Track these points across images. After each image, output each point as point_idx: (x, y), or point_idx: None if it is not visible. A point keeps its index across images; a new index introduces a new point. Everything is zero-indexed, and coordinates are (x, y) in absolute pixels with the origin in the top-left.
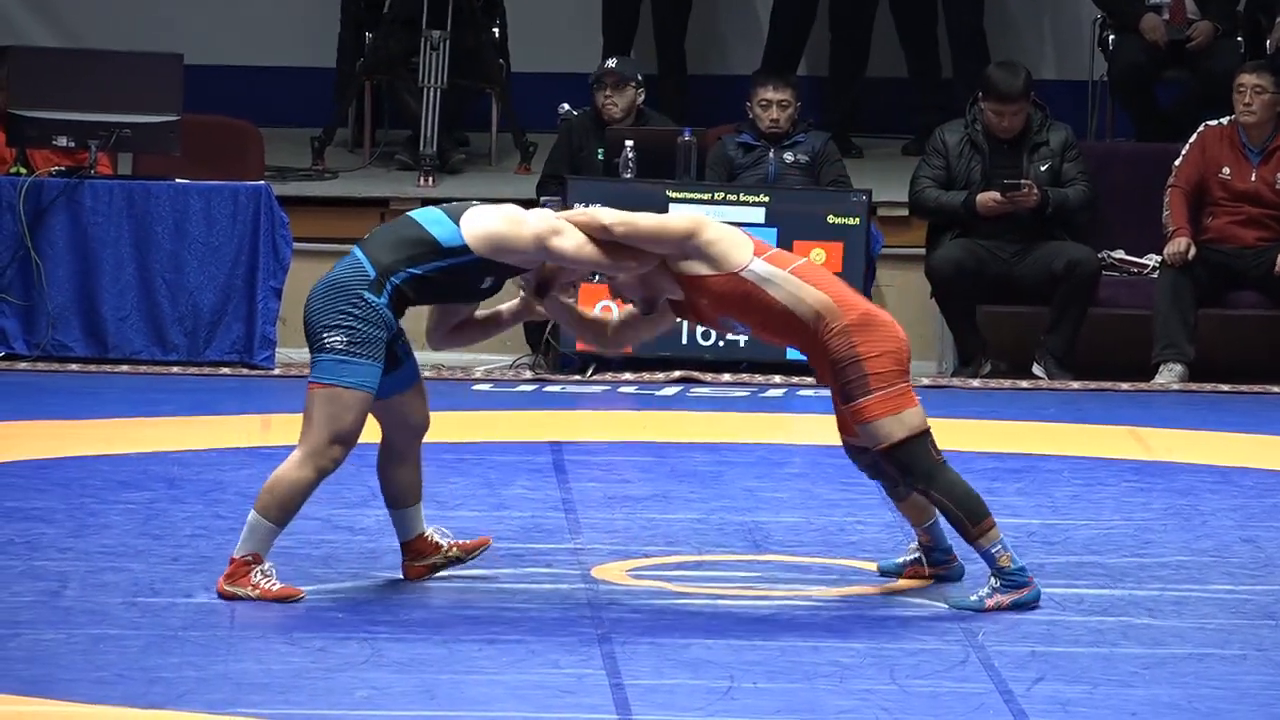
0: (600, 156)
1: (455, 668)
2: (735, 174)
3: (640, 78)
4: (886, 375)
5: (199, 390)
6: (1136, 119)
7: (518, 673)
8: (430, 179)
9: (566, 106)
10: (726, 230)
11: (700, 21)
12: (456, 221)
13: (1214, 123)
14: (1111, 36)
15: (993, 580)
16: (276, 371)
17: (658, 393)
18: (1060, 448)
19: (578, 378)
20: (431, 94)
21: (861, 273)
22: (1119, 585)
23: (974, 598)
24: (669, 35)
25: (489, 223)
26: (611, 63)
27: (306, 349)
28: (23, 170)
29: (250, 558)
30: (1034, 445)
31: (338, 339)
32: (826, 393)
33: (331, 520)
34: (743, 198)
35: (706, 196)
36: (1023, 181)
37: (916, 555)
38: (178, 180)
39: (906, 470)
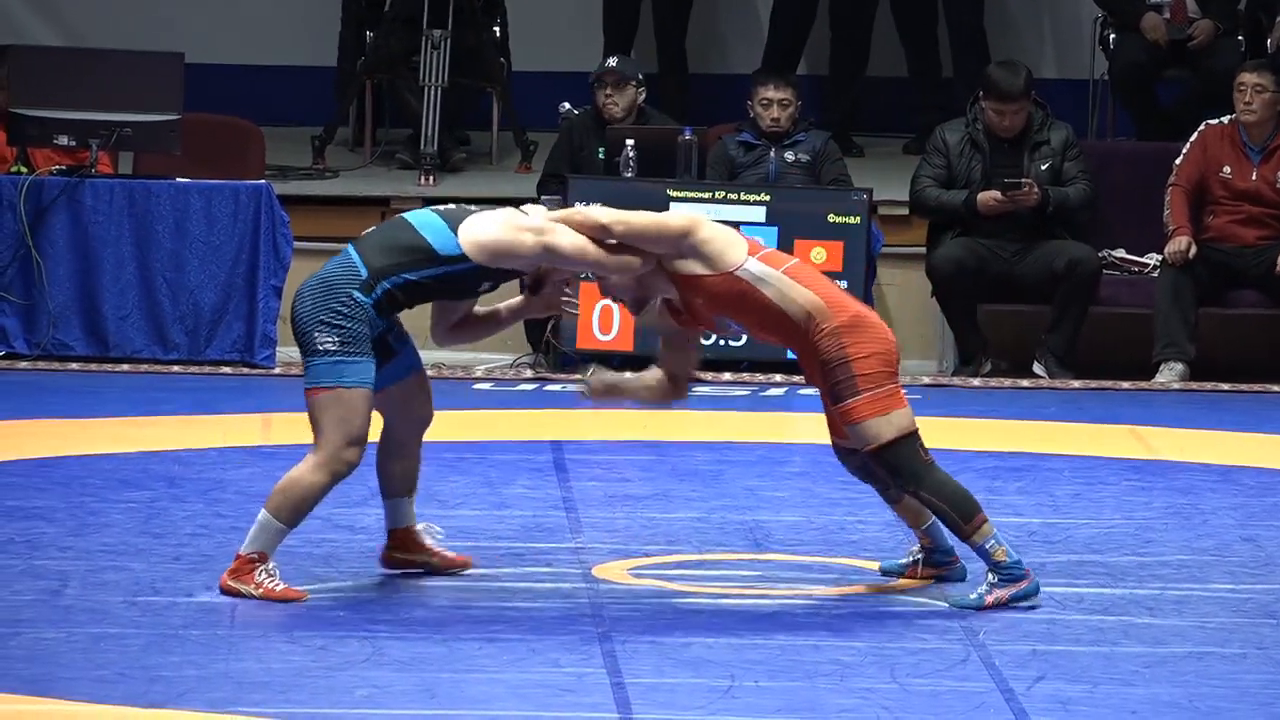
0: (601, 155)
1: (456, 666)
2: (736, 173)
3: (641, 77)
4: (875, 376)
5: (200, 389)
6: (1137, 118)
7: (518, 671)
8: (431, 178)
9: (567, 105)
10: (721, 229)
11: (701, 20)
12: (454, 229)
13: (1215, 122)
14: (1112, 35)
15: (990, 576)
16: (277, 370)
17: None
18: (1061, 446)
19: (579, 377)
20: (432, 93)
21: (862, 272)
22: (1120, 584)
23: (973, 595)
24: (669, 34)
25: (487, 230)
26: (612, 62)
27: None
28: (24, 169)
29: (256, 556)
30: (1035, 444)
31: (329, 340)
32: None
33: (332, 519)
34: (743, 197)
35: (707, 195)
36: (1023, 180)
37: (918, 557)
38: (178, 179)
39: (895, 471)
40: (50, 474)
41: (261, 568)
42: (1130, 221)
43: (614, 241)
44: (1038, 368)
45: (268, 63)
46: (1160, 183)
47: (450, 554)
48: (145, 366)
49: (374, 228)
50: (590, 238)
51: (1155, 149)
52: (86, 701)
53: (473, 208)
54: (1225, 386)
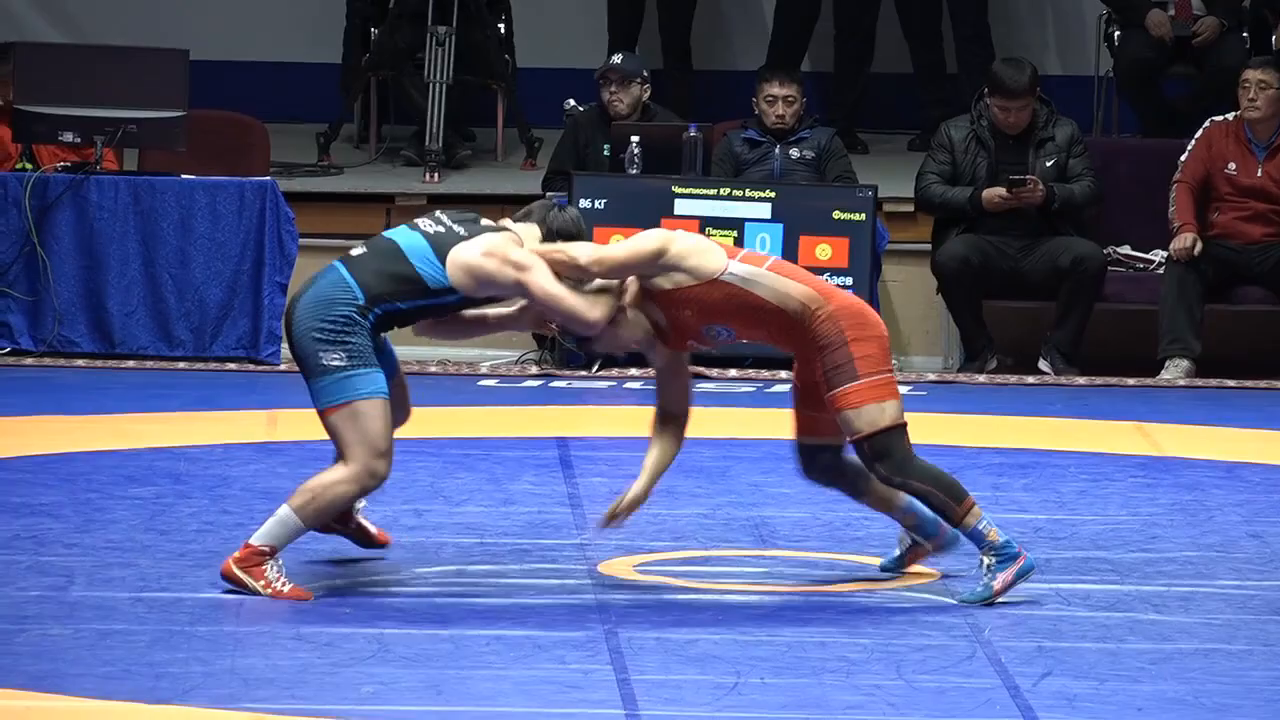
0: (606, 152)
1: (462, 663)
2: (741, 169)
3: (646, 73)
4: (873, 360)
5: (205, 386)
6: (1142, 115)
7: (524, 667)
8: (436, 175)
9: (572, 102)
10: (695, 240)
11: (705, 17)
12: (442, 258)
13: (1219, 118)
14: (1117, 32)
15: (987, 560)
16: (283, 367)
17: None
18: (1067, 443)
19: (584, 373)
20: (437, 89)
21: (867, 268)
22: (1126, 581)
23: (979, 588)
24: (674, 31)
25: (472, 259)
26: (617, 59)
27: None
28: (29, 166)
29: (267, 549)
30: (1040, 441)
31: (336, 357)
32: None
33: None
34: (749, 193)
35: (712, 192)
36: (1028, 177)
37: (909, 541)
38: (183, 176)
39: (884, 457)
40: (56, 470)
41: (270, 563)
42: (1136, 218)
43: (594, 283)
44: (1043, 364)
45: (273, 59)
46: (1165, 179)
47: (372, 529)
48: (150, 363)
49: (363, 249)
50: (569, 271)
51: (1160, 146)
52: (92, 698)
53: (461, 229)
54: (1231, 383)
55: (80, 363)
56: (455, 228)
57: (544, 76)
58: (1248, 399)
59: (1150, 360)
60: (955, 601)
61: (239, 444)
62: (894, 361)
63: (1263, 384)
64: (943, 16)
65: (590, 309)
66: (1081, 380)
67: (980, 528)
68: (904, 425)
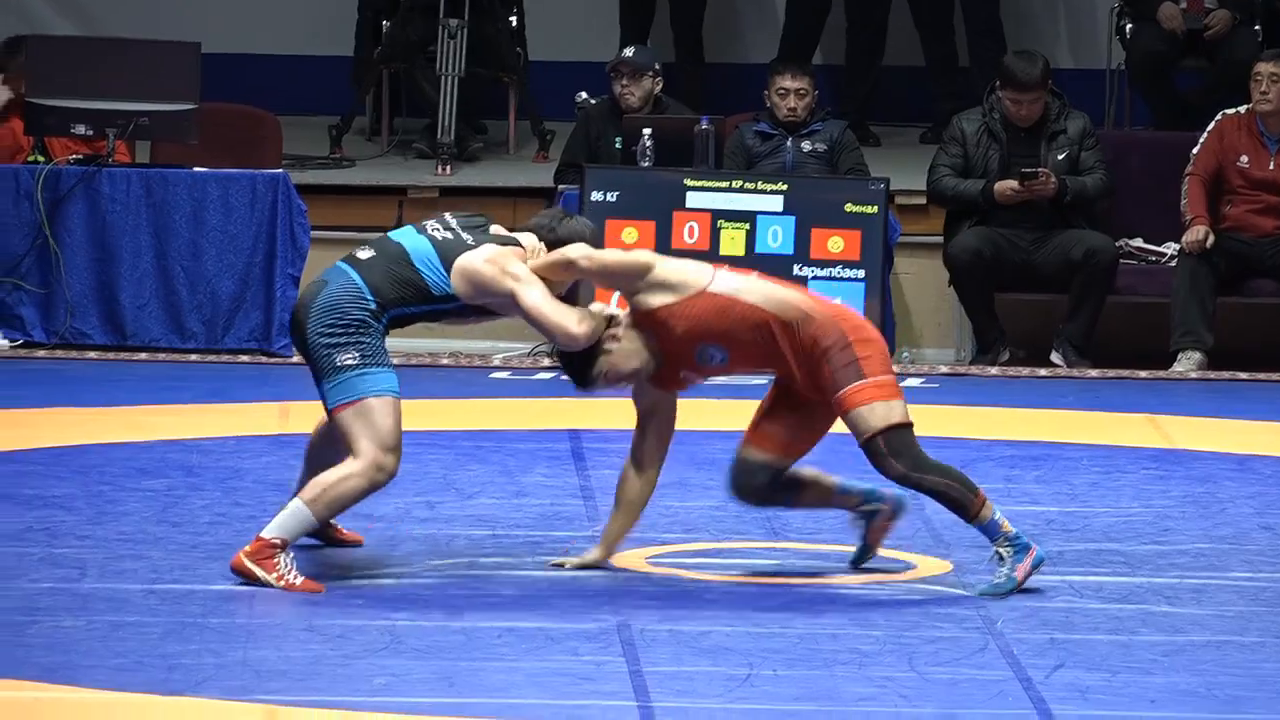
0: (618, 145)
1: (474, 654)
2: (753, 162)
3: (658, 66)
4: (876, 362)
5: (217, 378)
6: (1154, 107)
7: (536, 659)
8: (448, 167)
9: (584, 95)
10: (682, 261)
11: (717, 10)
12: (448, 265)
13: (1231, 111)
14: (1129, 25)
15: (1003, 551)
16: (295, 359)
17: None
18: (1079, 436)
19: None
20: (449, 82)
21: (879, 261)
22: (1138, 573)
23: (999, 579)
24: (686, 24)
25: (474, 266)
26: (628, 52)
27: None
28: (41, 158)
29: (279, 542)
30: (1052, 433)
31: (350, 357)
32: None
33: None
34: (761, 186)
35: (724, 185)
36: (1040, 170)
37: (864, 521)
38: (195, 169)
39: (899, 453)
40: (68, 463)
41: (282, 555)
42: (1148, 211)
43: (580, 329)
44: (1055, 357)
45: (285, 52)
46: (1177, 172)
47: (344, 530)
48: (163, 355)
49: (370, 251)
50: (561, 269)
51: (1172, 138)
52: (105, 689)
53: (469, 238)
54: (1243, 375)
55: (92, 355)
56: (464, 235)
57: (556, 69)
58: (1260, 391)
59: (1162, 353)
60: (975, 594)
61: (251, 436)
62: (907, 352)
63: (1275, 376)
64: (954, 9)
65: (576, 325)
66: (1093, 372)
67: (996, 519)
68: (912, 425)
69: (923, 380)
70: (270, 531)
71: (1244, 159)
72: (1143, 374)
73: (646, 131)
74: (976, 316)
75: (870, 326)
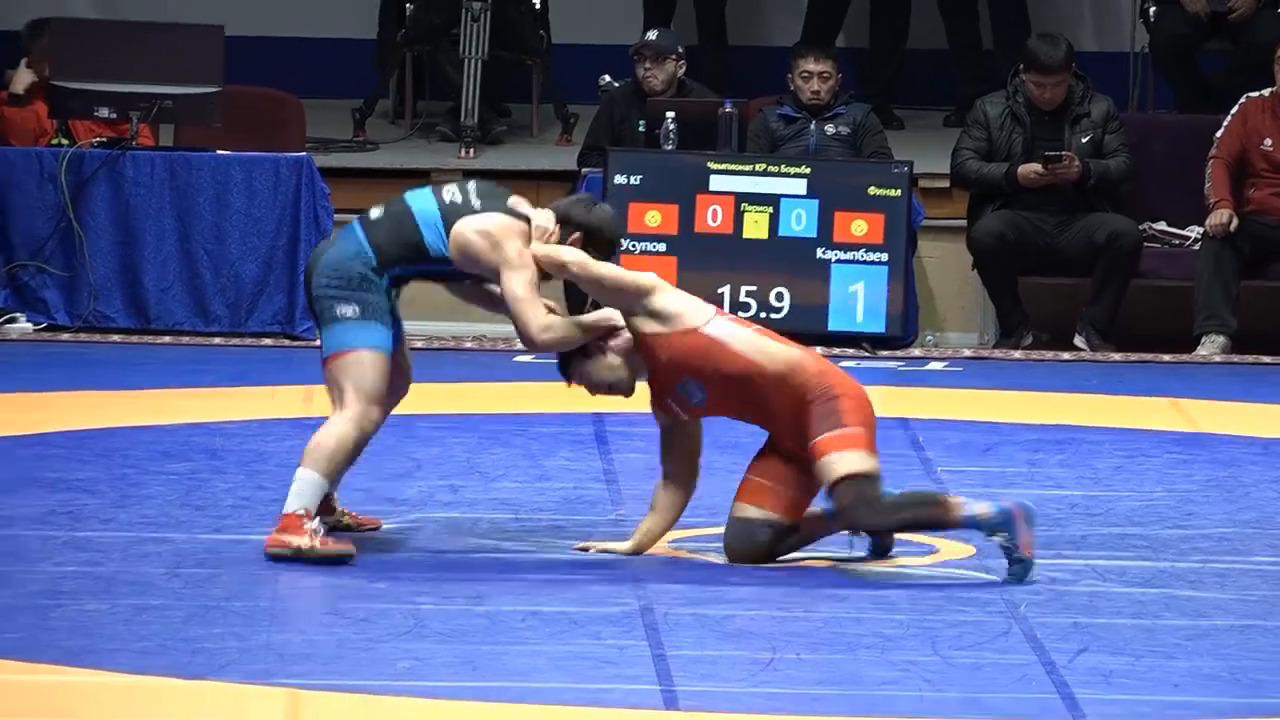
0: (641, 128)
1: (497, 638)
2: (776, 145)
3: (681, 50)
4: (858, 416)
5: (241, 361)
6: (1178, 90)
7: (560, 643)
8: (471, 150)
9: (607, 78)
10: (684, 296)
11: None
12: (448, 228)
13: (1255, 94)
14: (1152, 8)
15: (998, 538)
16: (318, 343)
17: None
18: (1102, 419)
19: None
20: (472, 65)
21: (903, 244)
22: (1161, 557)
23: (1014, 565)
24: (709, 6)
25: (466, 236)
26: (652, 35)
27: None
28: (64, 141)
29: (304, 512)
30: (1076, 417)
31: (350, 309)
32: (869, 359)
33: (373, 491)
34: (784, 169)
35: (747, 168)
36: (1064, 153)
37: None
38: (219, 152)
39: (866, 501)
40: (91, 446)
41: (308, 523)
42: (1171, 194)
43: (559, 330)
44: (1079, 340)
45: (308, 35)
46: (1201, 155)
47: (359, 516)
48: (186, 339)
49: (380, 211)
50: (553, 267)
51: (1196, 121)
52: (128, 673)
53: (477, 202)
54: (1267, 359)
55: (116, 338)
56: (473, 200)
57: (579, 52)
58: None
59: (1186, 336)
60: (999, 579)
61: (275, 419)
62: (930, 336)
63: None
64: None
65: (539, 330)
66: (1117, 356)
67: (971, 513)
68: (878, 475)
69: (946, 364)
70: (290, 506)
71: (1268, 142)
72: (1166, 357)
73: (670, 114)
74: (1000, 300)
75: (861, 391)
